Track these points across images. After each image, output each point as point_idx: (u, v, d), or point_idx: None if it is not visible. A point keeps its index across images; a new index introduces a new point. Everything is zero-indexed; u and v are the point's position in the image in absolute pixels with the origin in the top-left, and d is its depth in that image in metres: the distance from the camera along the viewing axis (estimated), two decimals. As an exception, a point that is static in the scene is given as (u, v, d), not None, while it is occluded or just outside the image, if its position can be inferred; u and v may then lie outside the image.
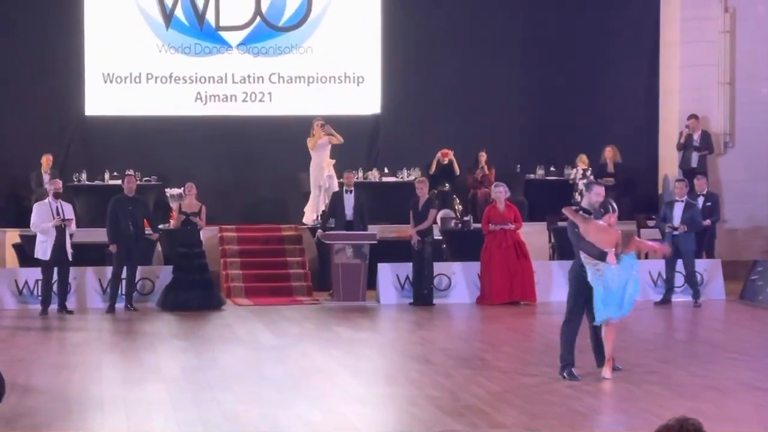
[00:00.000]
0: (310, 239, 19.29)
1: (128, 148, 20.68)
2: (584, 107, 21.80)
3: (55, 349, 13.73)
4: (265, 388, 11.14)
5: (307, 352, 13.31)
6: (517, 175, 21.18)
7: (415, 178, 19.02)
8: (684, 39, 21.34)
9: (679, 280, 17.78)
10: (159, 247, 18.82)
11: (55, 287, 16.66)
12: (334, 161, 19.68)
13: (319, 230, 18.61)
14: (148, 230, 17.52)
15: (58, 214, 16.49)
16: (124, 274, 17.02)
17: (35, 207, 16.82)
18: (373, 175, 20.73)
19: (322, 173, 19.60)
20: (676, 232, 17.30)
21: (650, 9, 22.00)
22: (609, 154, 20.84)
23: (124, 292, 17.04)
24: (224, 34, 21.02)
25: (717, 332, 15.46)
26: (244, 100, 21.06)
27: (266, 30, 21.14)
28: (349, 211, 18.46)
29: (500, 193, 17.62)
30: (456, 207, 20.14)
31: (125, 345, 14.17)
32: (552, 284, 17.78)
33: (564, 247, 17.20)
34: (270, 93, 21.10)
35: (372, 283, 17.92)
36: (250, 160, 21.06)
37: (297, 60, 21.16)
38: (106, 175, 20.11)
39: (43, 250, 16.49)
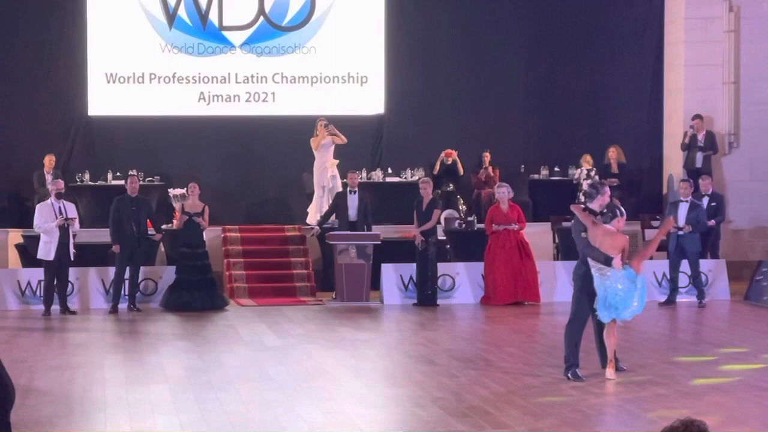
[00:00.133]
0: (313, 240, 19.26)
1: (131, 148, 20.67)
2: (588, 107, 21.77)
3: (58, 350, 13.70)
4: (268, 388, 11.12)
5: (311, 352, 13.28)
6: (521, 175, 21.14)
7: (419, 179, 18.99)
8: (688, 38, 21.31)
9: (683, 280, 17.76)
10: (162, 248, 18.81)
11: (56, 287, 16.64)
12: (337, 161, 19.65)
13: (316, 227, 18.64)
14: (151, 231, 17.51)
15: (60, 214, 16.48)
16: (126, 275, 17.01)
17: (38, 208, 16.80)
18: (377, 176, 20.69)
19: (326, 173, 19.58)
20: (680, 233, 17.28)
21: (655, 8, 21.96)
22: (613, 154, 20.80)
23: (126, 293, 17.03)
24: (227, 34, 21.00)
25: (721, 333, 15.42)
26: (247, 100, 21.04)
27: (269, 30, 21.12)
28: (352, 212, 18.44)
29: (503, 193, 17.60)
30: (460, 207, 20.12)
31: (128, 345, 14.15)
32: (556, 284, 17.76)
33: (568, 247, 17.16)
34: (273, 93, 21.08)
35: (376, 283, 17.89)
36: (254, 160, 21.04)
37: (300, 60, 21.13)
38: (109, 176, 20.08)
39: (46, 250, 16.47)
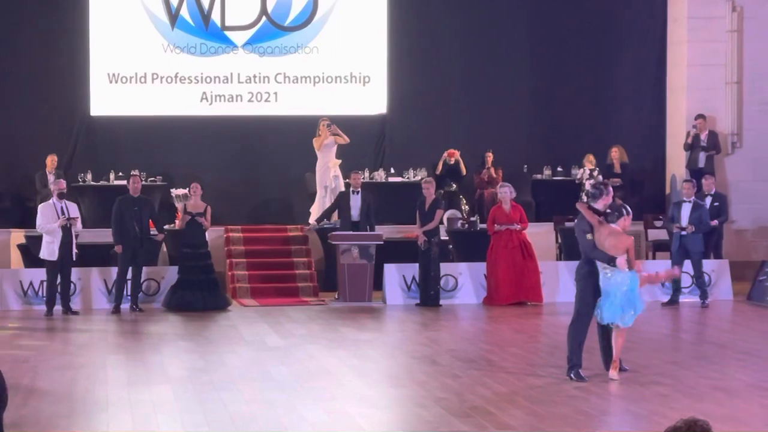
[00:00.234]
0: (316, 240, 19.26)
1: (133, 148, 20.66)
2: (591, 107, 21.75)
3: (60, 350, 13.69)
4: (270, 389, 11.11)
5: (313, 352, 13.27)
6: (524, 175, 21.12)
7: (422, 179, 18.97)
8: (691, 38, 21.28)
9: (686, 280, 17.73)
10: (164, 248, 18.80)
11: (58, 288, 16.62)
12: (340, 161, 19.64)
13: (314, 222, 18.65)
14: (153, 231, 17.50)
15: (63, 214, 16.47)
16: (129, 275, 17.00)
17: (40, 208, 16.80)
18: (380, 176, 20.68)
19: (328, 173, 19.56)
20: (683, 233, 17.26)
21: (657, 8, 21.93)
22: (615, 154, 20.77)
23: (129, 293, 17.02)
24: (230, 34, 20.99)
25: (724, 333, 15.41)
26: (249, 100, 21.03)
27: (272, 30, 21.10)
28: (355, 212, 18.44)
29: (506, 193, 17.58)
30: (463, 207, 20.10)
31: (130, 346, 14.15)
32: (559, 285, 17.74)
33: (571, 247, 17.14)
34: (276, 93, 21.06)
35: (378, 283, 17.88)
36: (256, 160, 21.03)
37: (303, 60, 21.11)
38: (112, 176, 20.07)
39: (49, 250, 16.46)
